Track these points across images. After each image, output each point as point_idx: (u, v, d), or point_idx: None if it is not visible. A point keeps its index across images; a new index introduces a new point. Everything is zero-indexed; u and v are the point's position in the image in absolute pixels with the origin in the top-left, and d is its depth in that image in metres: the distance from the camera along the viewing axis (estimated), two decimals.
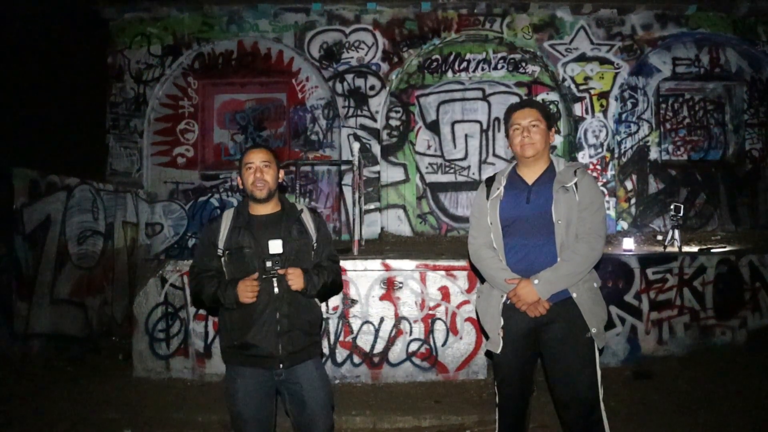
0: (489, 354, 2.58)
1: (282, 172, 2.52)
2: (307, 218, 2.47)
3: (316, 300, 2.49)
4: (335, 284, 2.50)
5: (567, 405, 2.39)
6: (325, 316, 4.31)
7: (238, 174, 2.46)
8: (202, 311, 4.43)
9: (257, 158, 2.39)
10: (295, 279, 2.29)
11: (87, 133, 8.21)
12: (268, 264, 2.26)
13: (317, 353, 2.47)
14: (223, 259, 2.38)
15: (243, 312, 2.30)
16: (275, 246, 2.27)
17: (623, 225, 7.37)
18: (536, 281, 2.33)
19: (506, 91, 7.59)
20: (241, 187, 2.45)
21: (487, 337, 2.56)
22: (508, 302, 2.43)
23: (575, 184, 2.41)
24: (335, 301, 4.39)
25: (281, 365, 2.29)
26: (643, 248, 5.99)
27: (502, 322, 2.44)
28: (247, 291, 2.24)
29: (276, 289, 2.30)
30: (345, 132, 7.26)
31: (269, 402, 2.36)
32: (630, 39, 7.29)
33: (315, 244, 2.45)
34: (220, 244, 2.37)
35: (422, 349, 4.41)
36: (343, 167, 7.11)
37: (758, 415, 3.63)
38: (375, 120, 7.29)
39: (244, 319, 2.30)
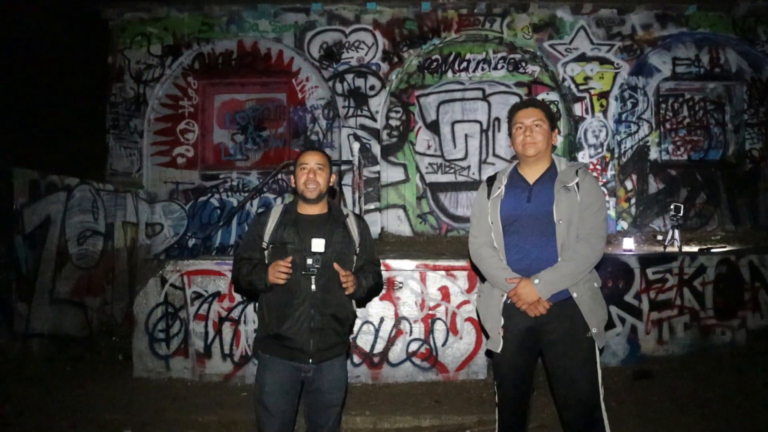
0: (489, 353, 2.59)
1: (334, 177, 2.61)
2: (351, 223, 2.56)
3: (351, 299, 2.55)
4: (378, 286, 2.60)
5: (567, 405, 2.39)
6: None
7: (291, 172, 2.56)
8: (202, 311, 4.44)
9: (312, 160, 2.49)
10: (350, 283, 2.36)
11: (87, 133, 8.21)
12: (309, 261, 2.32)
13: (344, 352, 2.54)
14: (266, 252, 2.46)
15: (282, 304, 2.38)
16: (318, 245, 2.33)
17: (623, 225, 7.36)
18: (537, 281, 2.33)
19: (506, 91, 7.59)
20: (293, 186, 2.55)
21: (487, 337, 2.56)
22: (509, 301, 2.43)
23: (577, 183, 2.41)
24: None
25: (310, 360, 2.37)
26: (643, 248, 5.99)
27: (502, 322, 2.44)
28: (276, 272, 2.30)
29: (313, 287, 2.37)
30: (345, 132, 7.25)
31: (293, 398, 2.43)
32: (630, 39, 7.29)
33: (358, 249, 2.52)
34: (266, 237, 2.47)
35: (422, 349, 4.41)
36: (343, 167, 7.10)
37: (758, 414, 3.63)
38: (375, 120, 7.28)
39: (282, 312, 2.37)
